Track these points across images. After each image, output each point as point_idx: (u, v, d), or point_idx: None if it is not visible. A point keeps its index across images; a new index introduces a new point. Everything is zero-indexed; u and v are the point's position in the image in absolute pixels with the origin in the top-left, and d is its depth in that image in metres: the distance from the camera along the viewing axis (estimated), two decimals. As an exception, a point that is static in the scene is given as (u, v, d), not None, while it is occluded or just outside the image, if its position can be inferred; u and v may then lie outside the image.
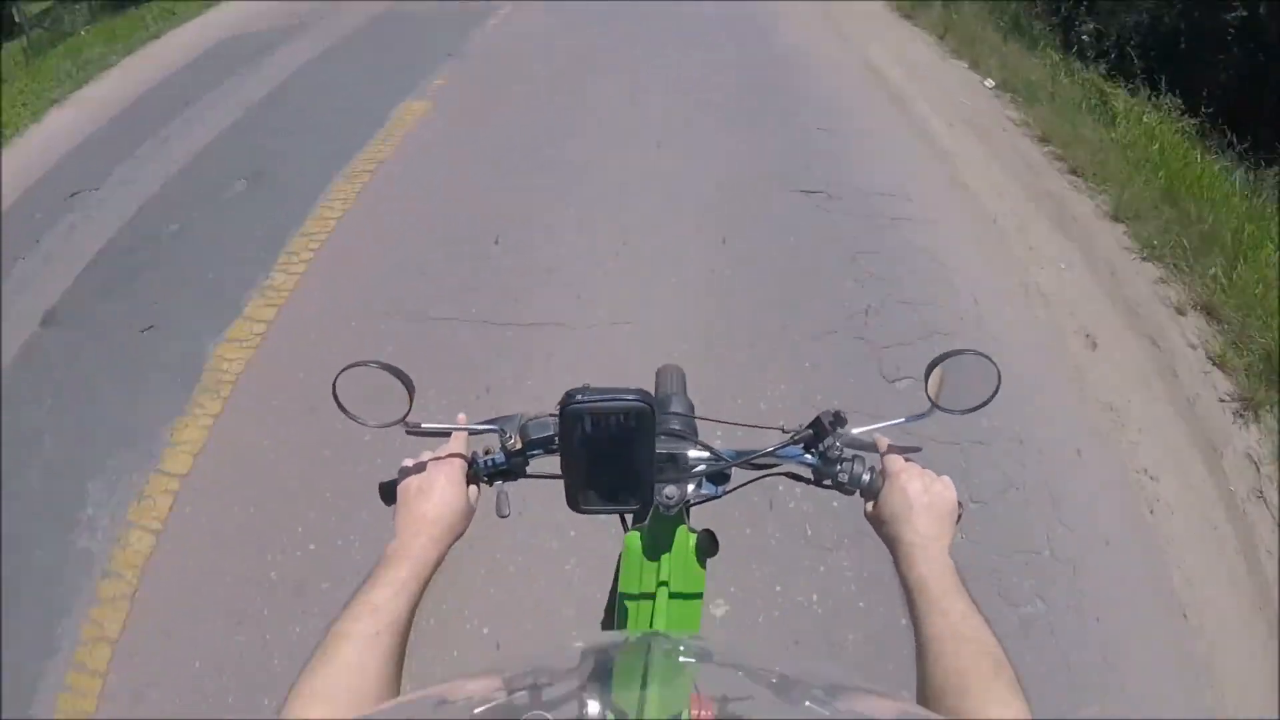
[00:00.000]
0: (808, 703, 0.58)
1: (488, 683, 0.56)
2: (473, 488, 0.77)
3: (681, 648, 0.65)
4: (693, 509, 0.85)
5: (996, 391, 0.75)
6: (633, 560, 0.77)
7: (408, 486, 0.74)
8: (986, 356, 0.75)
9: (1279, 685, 1.86)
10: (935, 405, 0.77)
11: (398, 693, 0.60)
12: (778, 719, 0.57)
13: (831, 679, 0.65)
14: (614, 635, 0.77)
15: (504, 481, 0.79)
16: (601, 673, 0.84)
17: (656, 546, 0.77)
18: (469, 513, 0.74)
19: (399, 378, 0.72)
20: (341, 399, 0.71)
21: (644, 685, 0.81)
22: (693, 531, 0.80)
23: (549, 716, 1.09)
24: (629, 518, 0.84)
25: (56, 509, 2.06)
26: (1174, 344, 2.62)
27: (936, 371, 0.77)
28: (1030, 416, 2.25)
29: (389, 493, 0.76)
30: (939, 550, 0.69)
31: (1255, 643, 1.81)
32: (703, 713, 0.90)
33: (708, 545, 0.81)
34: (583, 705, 0.90)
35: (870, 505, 0.77)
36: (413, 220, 3.34)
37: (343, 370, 0.71)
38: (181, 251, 3.24)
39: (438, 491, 0.72)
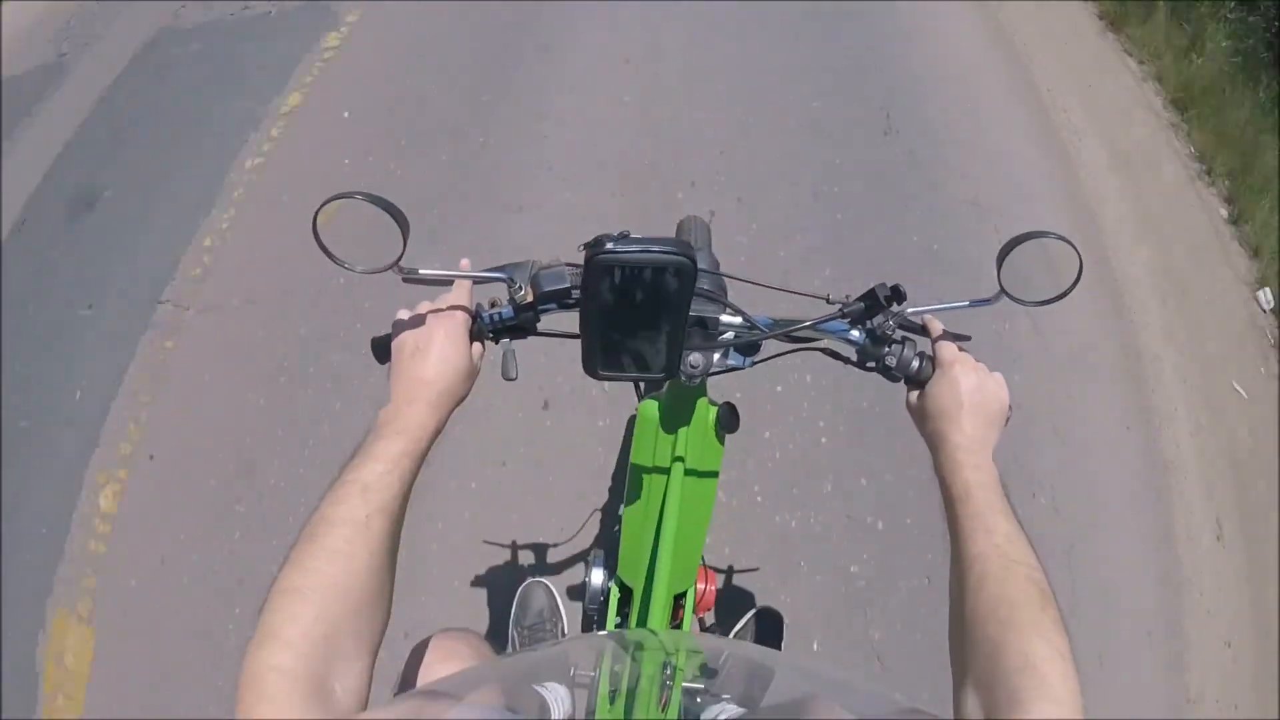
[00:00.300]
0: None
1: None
2: (476, 345, 0.69)
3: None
4: (710, 378, 0.78)
5: (1076, 283, 0.67)
6: (647, 430, 0.73)
7: (403, 343, 0.66)
8: (1069, 242, 0.67)
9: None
10: (1005, 291, 0.69)
11: (391, 586, 0.55)
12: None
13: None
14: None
15: (511, 339, 0.72)
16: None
17: (674, 418, 0.74)
18: (471, 374, 0.67)
19: (391, 214, 0.62)
20: (323, 238, 0.61)
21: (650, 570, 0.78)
22: (713, 404, 0.76)
23: (546, 581, 0.99)
24: (643, 384, 0.77)
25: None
26: None
27: (1011, 255, 0.69)
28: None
29: (382, 349, 0.68)
30: (985, 455, 0.65)
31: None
32: (709, 585, 0.90)
33: (728, 420, 0.76)
34: (587, 570, 0.89)
35: (915, 396, 0.72)
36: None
37: (324, 203, 0.61)
38: None
39: (436, 349, 0.65)
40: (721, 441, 0.78)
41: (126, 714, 1.56)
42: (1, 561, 1.76)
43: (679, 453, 0.73)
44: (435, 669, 0.76)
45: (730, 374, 0.80)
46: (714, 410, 0.77)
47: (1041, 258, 0.69)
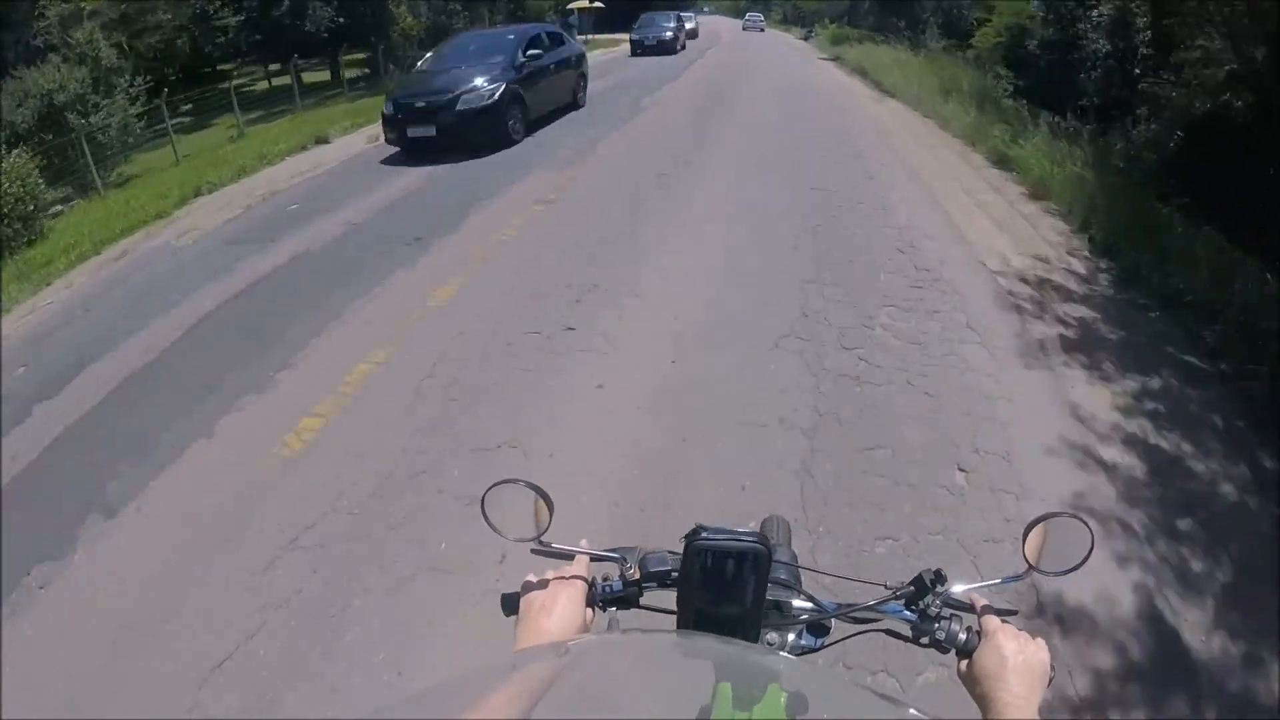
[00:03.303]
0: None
1: None
2: (589, 611, 1.03)
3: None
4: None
5: (1090, 553, 1.01)
6: (723, 709, 0.86)
7: (531, 601, 1.01)
8: (1081, 519, 1.02)
9: None
10: (1032, 566, 1.03)
11: None
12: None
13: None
14: None
15: (618, 609, 1.07)
16: None
17: (748, 697, 0.87)
18: (584, 634, 1.00)
19: (542, 496, 1.05)
20: (488, 510, 1.05)
21: None
22: (784, 691, 0.89)
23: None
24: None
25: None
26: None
27: (1034, 533, 1.03)
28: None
29: (511, 604, 1.03)
30: (1031, 711, 0.91)
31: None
32: None
33: (798, 706, 0.87)
34: None
35: (964, 664, 1.00)
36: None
37: (492, 486, 1.06)
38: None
39: (559, 609, 0.98)
40: None
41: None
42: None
43: None
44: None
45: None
46: (784, 695, 0.89)
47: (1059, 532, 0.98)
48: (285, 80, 19.79)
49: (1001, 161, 8.96)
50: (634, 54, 25.88)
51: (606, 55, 26.14)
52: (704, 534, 0.93)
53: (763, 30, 45.40)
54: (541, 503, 1.05)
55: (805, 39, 37.35)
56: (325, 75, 22.78)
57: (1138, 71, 10.38)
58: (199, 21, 18.78)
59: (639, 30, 27.15)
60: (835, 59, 23.80)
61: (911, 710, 0.75)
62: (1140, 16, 10.37)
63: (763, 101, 14.29)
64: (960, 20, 20.73)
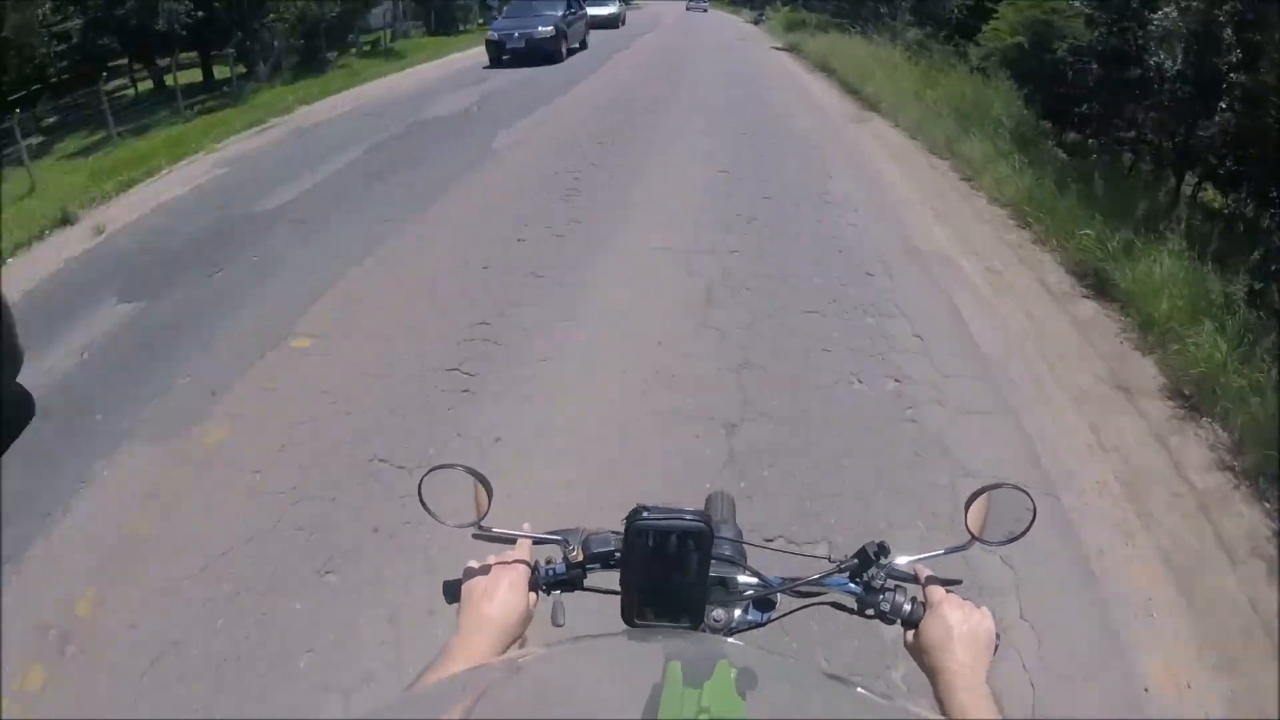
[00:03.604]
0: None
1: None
2: (532, 595, 1.08)
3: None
4: (738, 638, 1.10)
5: (1032, 523, 1.07)
6: (674, 688, 0.87)
7: (473, 587, 1.05)
8: (1023, 489, 1.07)
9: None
10: (974, 537, 1.09)
11: None
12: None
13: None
14: None
15: (561, 591, 1.12)
16: None
17: (697, 675, 0.88)
18: (527, 618, 1.05)
19: (481, 482, 1.08)
20: (425, 496, 1.07)
21: None
22: (733, 666, 0.93)
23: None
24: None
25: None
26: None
27: (976, 504, 1.08)
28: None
29: (453, 591, 1.07)
30: (979, 679, 0.96)
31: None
32: None
33: (748, 681, 0.92)
34: None
35: (911, 635, 1.06)
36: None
37: (429, 470, 1.07)
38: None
39: (501, 594, 1.02)
40: (743, 697, 0.91)
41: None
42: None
43: (704, 704, 0.84)
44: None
45: None
46: (734, 670, 0.92)
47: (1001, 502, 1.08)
48: (149, 85, 18.31)
49: (1099, 285, 5.33)
50: (493, 63, 17.29)
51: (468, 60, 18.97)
52: (645, 514, 0.97)
53: (705, 11, 45.30)
54: (481, 488, 1.09)
55: (755, 23, 36.23)
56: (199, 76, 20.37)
57: (1223, 105, 7.92)
58: (28, 30, 16.45)
59: (501, 24, 18.34)
60: (791, 49, 20.44)
61: (859, 689, 0.84)
62: (1226, 27, 7.95)
63: (695, 135, 9.88)
64: (938, 6, 16.47)
